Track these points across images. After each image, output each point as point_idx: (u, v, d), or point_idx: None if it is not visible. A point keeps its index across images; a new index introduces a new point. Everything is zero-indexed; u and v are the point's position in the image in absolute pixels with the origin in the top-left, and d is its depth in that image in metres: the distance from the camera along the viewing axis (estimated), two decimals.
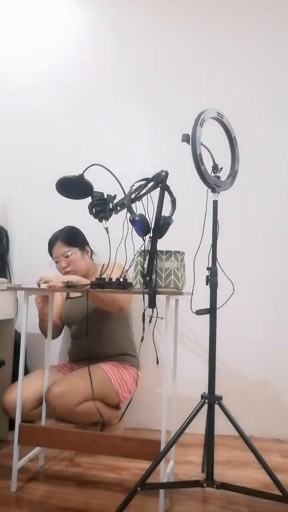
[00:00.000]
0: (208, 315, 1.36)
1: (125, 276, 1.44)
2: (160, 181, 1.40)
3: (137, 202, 1.43)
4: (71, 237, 1.97)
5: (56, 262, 1.97)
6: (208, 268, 1.37)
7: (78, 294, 1.98)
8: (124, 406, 1.80)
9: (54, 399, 1.59)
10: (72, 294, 2.03)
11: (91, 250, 2.04)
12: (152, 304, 1.31)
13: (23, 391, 1.60)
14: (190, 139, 1.30)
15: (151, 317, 1.33)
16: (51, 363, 1.80)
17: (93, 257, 2.05)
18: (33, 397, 1.69)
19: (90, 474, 1.62)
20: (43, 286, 1.62)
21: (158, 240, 1.38)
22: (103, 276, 1.48)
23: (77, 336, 2.00)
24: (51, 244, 1.98)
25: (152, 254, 1.36)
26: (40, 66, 2.46)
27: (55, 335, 2.03)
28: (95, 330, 1.91)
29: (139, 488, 1.29)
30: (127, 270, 1.47)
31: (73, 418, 1.69)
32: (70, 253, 1.92)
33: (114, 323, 1.95)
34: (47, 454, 1.73)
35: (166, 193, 1.41)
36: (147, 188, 1.42)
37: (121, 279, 1.43)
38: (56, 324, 2.00)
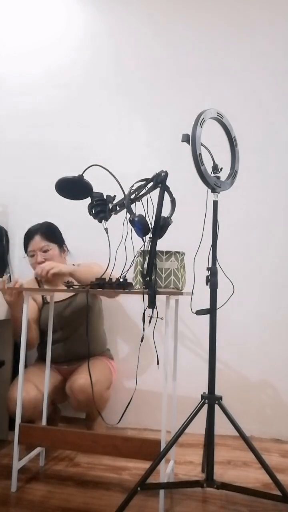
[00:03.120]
0: (208, 315, 1.36)
1: (125, 276, 1.44)
2: (159, 181, 1.39)
3: (136, 202, 1.43)
4: (51, 233, 1.93)
5: (31, 256, 1.90)
6: (208, 268, 1.37)
7: (59, 298, 1.89)
8: (124, 406, 1.80)
9: (83, 390, 1.64)
10: (57, 297, 1.89)
11: (67, 250, 2.01)
12: (152, 304, 1.32)
13: (29, 389, 1.64)
14: (190, 139, 1.30)
15: (151, 317, 1.33)
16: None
17: (66, 257, 2.02)
18: (37, 395, 1.68)
19: (90, 474, 1.62)
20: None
21: (158, 240, 1.38)
22: (103, 277, 1.48)
23: (60, 339, 1.90)
24: (29, 237, 1.91)
25: (152, 254, 1.36)
26: (40, 66, 2.46)
27: (34, 344, 1.90)
28: (79, 330, 1.91)
29: (139, 488, 1.29)
30: (127, 270, 1.47)
31: (100, 405, 1.74)
32: (50, 247, 1.89)
33: (96, 320, 2.01)
34: (47, 454, 1.73)
35: (165, 193, 1.41)
36: (146, 188, 1.42)
37: (121, 279, 1.43)
38: (34, 329, 1.86)
